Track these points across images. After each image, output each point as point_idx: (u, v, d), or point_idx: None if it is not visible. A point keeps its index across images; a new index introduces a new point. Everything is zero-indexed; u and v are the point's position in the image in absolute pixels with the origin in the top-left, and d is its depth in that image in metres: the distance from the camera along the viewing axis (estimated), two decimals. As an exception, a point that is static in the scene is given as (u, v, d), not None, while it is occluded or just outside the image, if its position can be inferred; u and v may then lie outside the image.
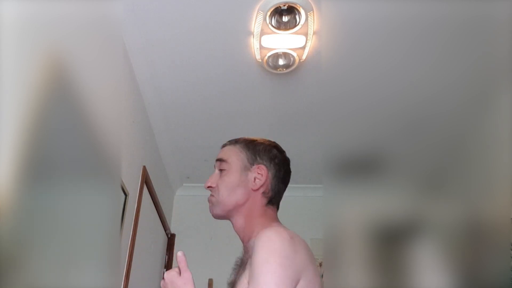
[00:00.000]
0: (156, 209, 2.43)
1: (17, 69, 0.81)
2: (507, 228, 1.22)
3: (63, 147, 0.96)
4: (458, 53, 1.79)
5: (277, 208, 1.08)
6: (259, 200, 1.02)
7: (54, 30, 0.93)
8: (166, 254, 2.80)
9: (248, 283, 0.84)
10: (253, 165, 1.04)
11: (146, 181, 2.13)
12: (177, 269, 0.95)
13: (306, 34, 1.70)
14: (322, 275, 1.03)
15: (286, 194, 3.49)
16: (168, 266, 2.77)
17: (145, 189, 2.14)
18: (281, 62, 1.87)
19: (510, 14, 1.50)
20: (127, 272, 1.78)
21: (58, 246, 0.92)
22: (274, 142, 1.12)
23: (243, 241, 1.01)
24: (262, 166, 1.04)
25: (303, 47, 1.77)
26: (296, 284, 0.83)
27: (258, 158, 1.05)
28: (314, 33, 1.70)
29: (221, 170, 1.06)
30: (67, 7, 1.00)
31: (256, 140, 1.10)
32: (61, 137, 0.95)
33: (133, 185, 1.94)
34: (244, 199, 1.01)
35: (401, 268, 1.16)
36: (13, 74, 0.79)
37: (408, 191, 1.30)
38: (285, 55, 1.83)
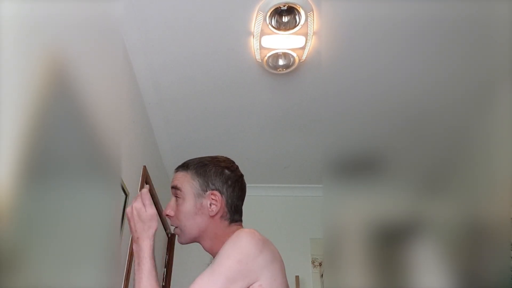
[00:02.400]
0: (156, 209, 2.43)
1: (17, 69, 0.81)
2: (507, 228, 1.22)
3: (63, 147, 0.96)
4: (458, 52, 1.79)
5: (241, 217, 1.11)
6: (219, 223, 1.05)
7: (54, 30, 0.93)
8: (166, 254, 2.80)
9: None
10: (206, 191, 1.06)
11: (146, 181, 2.13)
12: (142, 203, 1.02)
13: (306, 35, 1.70)
14: (322, 275, 1.04)
15: (286, 194, 3.50)
16: (168, 265, 2.77)
17: (145, 189, 2.14)
18: (281, 62, 1.87)
19: (510, 13, 1.50)
20: (127, 272, 1.78)
21: (58, 246, 0.92)
22: (225, 161, 1.12)
23: (214, 255, 1.05)
24: (215, 192, 1.06)
25: (303, 47, 1.77)
26: (252, 283, 0.89)
27: (210, 184, 1.07)
28: (314, 33, 1.70)
29: (176, 197, 1.09)
30: (67, 7, 1.00)
31: (207, 164, 1.10)
32: (61, 137, 0.95)
33: (133, 185, 1.94)
34: (205, 225, 1.05)
35: (401, 268, 1.16)
36: (13, 74, 0.79)
37: (408, 191, 1.30)
38: (285, 55, 1.83)
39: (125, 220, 1.79)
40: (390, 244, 1.20)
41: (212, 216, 1.04)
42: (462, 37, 1.71)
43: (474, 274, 1.17)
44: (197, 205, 1.05)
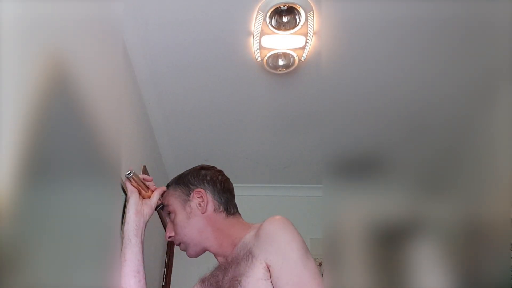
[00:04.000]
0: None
1: (17, 69, 0.81)
2: (507, 228, 1.22)
3: (63, 147, 0.96)
4: (458, 52, 1.79)
5: (237, 210, 1.11)
6: (217, 217, 1.05)
7: (54, 30, 0.93)
8: (167, 254, 2.80)
9: (270, 265, 0.84)
10: (189, 194, 1.08)
11: (146, 181, 2.13)
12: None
13: (306, 35, 1.70)
14: (322, 275, 1.04)
15: (286, 194, 3.53)
16: (168, 266, 2.77)
17: (145, 189, 2.14)
18: (281, 62, 1.87)
19: (510, 14, 1.50)
20: (127, 272, 1.78)
21: (58, 246, 0.92)
22: (200, 165, 1.16)
23: (225, 254, 1.02)
24: (198, 190, 1.07)
25: (303, 48, 1.77)
26: None
27: (191, 186, 1.09)
28: (314, 33, 1.70)
29: (169, 213, 1.10)
30: (67, 7, 1.00)
31: (183, 174, 1.14)
32: (61, 137, 0.95)
33: (133, 185, 1.94)
34: (202, 225, 1.04)
35: (401, 268, 1.16)
36: (13, 74, 0.79)
37: (408, 191, 1.30)
38: (285, 55, 1.83)
39: (125, 220, 1.79)
40: (390, 244, 1.20)
41: (204, 213, 1.04)
42: (463, 37, 1.71)
43: (474, 274, 1.17)
44: (187, 210, 1.06)
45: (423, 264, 1.18)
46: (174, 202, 1.09)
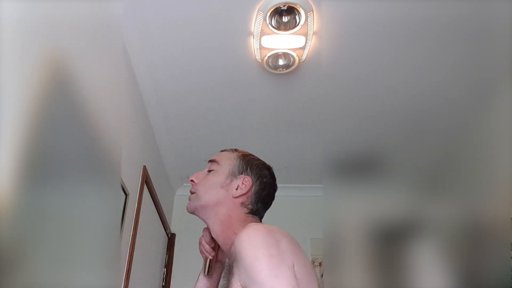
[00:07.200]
0: (156, 209, 2.43)
1: (17, 69, 0.81)
2: (507, 228, 1.22)
3: (63, 147, 0.96)
4: (458, 52, 1.79)
5: (260, 217, 1.10)
6: (238, 208, 1.05)
7: (54, 30, 0.93)
8: (166, 254, 2.80)
9: (245, 286, 0.85)
10: (241, 174, 1.07)
11: (146, 181, 2.13)
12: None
13: (306, 35, 1.70)
14: (322, 275, 1.04)
15: (286, 194, 3.52)
16: (168, 266, 2.77)
17: (145, 189, 2.14)
18: (281, 62, 1.87)
19: (510, 13, 1.50)
20: (127, 272, 1.78)
21: (58, 246, 0.92)
22: (269, 166, 1.16)
23: (224, 248, 1.04)
24: (249, 178, 1.07)
25: (303, 48, 1.77)
26: (293, 267, 0.85)
27: (248, 170, 1.09)
28: (314, 33, 1.70)
29: (210, 170, 1.10)
30: (67, 7, 1.00)
31: (254, 157, 1.14)
32: (61, 137, 0.95)
33: (133, 185, 1.94)
34: (223, 200, 1.04)
35: (401, 267, 1.16)
36: (13, 74, 0.79)
37: (408, 191, 1.30)
38: (285, 55, 1.83)
39: (125, 220, 1.80)
40: (390, 244, 1.20)
41: (234, 197, 1.04)
42: (462, 37, 1.71)
43: (474, 274, 1.17)
44: (226, 181, 1.06)
45: (423, 264, 1.18)
46: (225, 165, 1.08)
